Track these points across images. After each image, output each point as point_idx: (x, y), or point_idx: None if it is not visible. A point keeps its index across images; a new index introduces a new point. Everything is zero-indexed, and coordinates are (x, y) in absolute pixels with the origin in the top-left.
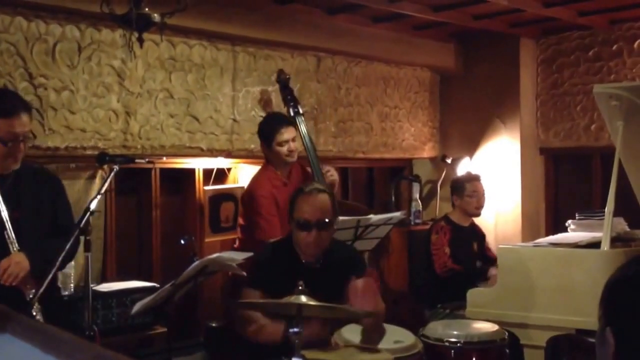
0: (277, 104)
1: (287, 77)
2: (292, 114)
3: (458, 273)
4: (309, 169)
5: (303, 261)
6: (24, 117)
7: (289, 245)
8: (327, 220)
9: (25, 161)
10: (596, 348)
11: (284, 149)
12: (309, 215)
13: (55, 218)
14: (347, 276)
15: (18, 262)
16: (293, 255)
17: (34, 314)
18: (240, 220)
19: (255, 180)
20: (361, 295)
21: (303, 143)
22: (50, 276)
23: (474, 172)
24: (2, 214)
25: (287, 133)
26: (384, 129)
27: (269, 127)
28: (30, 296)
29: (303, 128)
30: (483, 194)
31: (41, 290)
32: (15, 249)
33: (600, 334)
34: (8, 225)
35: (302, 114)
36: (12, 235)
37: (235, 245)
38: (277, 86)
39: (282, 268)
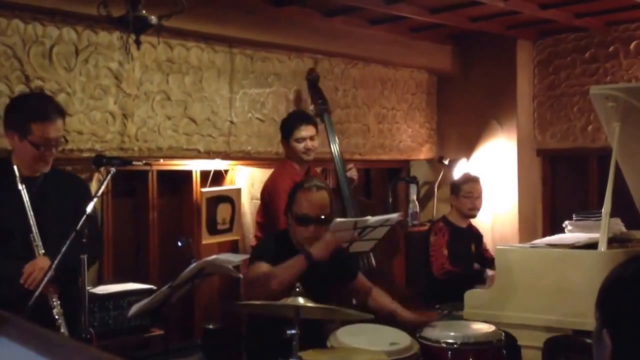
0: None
1: (316, 75)
2: (319, 110)
3: (455, 275)
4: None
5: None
6: (59, 123)
7: (288, 238)
8: (325, 216)
9: (55, 166)
10: (593, 349)
11: (301, 146)
12: (309, 210)
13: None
14: (344, 278)
15: (42, 267)
16: (291, 248)
17: (56, 317)
18: (258, 218)
19: (275, 175)
20: None
21: (328, 141)
22: (46, 278)
23: (473, 173)
24: (29, 217)
25: (306, 131)
26: (381, 130)
27: (289, 123)
28: (53, 300)
29: (329, 125)
30: (479, 196)
31: (36, 293)
32: (40, 252)
33: (597, 335)
34: (35, 229)
35: (330, 113)
36: (38, 238)
37: (253, 244)
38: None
39: (282, 260)
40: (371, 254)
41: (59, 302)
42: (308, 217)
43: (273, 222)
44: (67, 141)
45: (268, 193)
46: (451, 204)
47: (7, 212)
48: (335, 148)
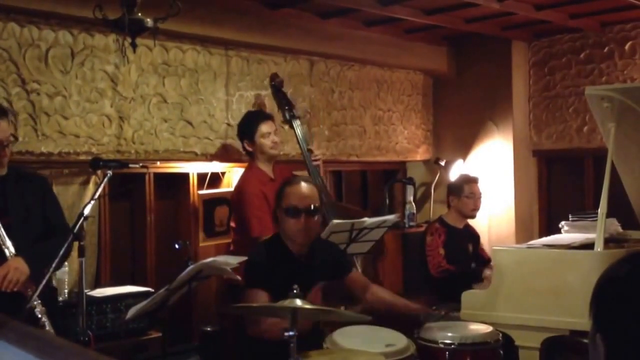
0: (271, 108)
1: (280, 80)
2: (287, 117)
3: (452, 273)
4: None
5: (295, 255)
6: (4, 123)
7: (279, 241)
8: (314, 206)
9: (9, 165)
10: (589, 351)
11: (268, 141)
12: (297, 202)
13: (45, 217)
14: (338, 274)
15: (17, 267)
16: (285, 250)
17: (39, 316)
18: (232, 223)
19: (242, 180)
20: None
21: (299, 146)
22: (45, 279)
23: (471, 174)
24: None
25: (268, 126)
26: (378, 132)
27: (249, 122)
28: (33, 299)
29: (299, 131)
30: (480, 197)
31: (37, 292)
32: (11, 254)
33: (592, 338)
34: (1, 231)
35: (298, 117)
36: (7, 240)
37: (231, 249)
38: (269, 90)
39: (276, 264)
40: (355, 257)
41: (39, 301)
42: (297, 208)
43: (244, 226)
44: (17, 139)
45: (237, 198)
46: (450, 204)
47: None
48: (307, 153)
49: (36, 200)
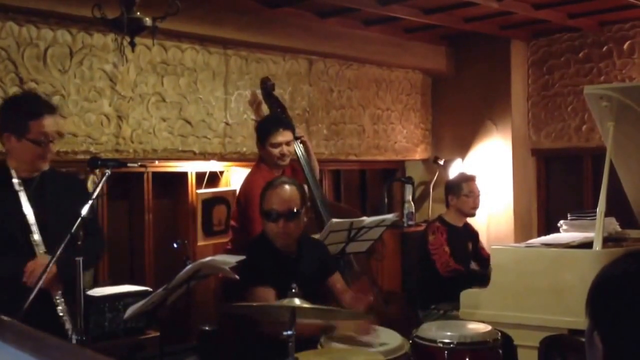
0: (264, 109)
1: (271, 84)
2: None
3: (460, 273)
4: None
5: (281, 253)
6: (54, 118)
7: (266, 239)
8: (294, 210)
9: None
10: (586, 350)
11: (276, 151)
12: (277, 205)
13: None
14: (323, 275)
15: (43, 264)
16: (272, 248)
17: (61, 314)
18: (233, 222)
19: (251, 181)
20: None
21: (295, 149)
22: (44, 276)
23: (468, 173)
24: (28, 217)
25: (282, 136)
26: (377, 131)
27: (266, 127)
28: (57, 297)
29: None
30: (479, 195)
31: (34, 292)
32: (41, 251)
33: (589, 337)
34: (34, 228)
35: (291, 120)
36: (39, 238)
37: (228, 247)
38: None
39: (268, 262)
40: (352, 257)
41: (62, 299)
42: (276, 212)
43: (250, 227)
44: (62, 136)
45: (245, 199)
46: (449, 203)
47: (6, 215)
48: (301, 154)
49: (72, 200)
